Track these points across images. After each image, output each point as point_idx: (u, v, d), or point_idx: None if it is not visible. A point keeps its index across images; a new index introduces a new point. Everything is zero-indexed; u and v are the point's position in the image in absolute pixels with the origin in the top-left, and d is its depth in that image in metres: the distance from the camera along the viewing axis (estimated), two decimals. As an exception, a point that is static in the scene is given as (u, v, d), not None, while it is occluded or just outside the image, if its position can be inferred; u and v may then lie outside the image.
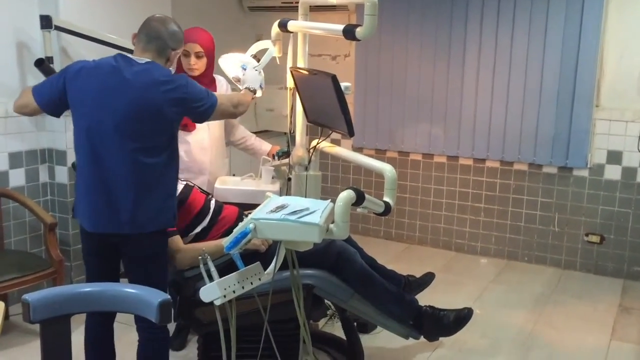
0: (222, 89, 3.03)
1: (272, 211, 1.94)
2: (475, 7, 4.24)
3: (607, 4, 3.91)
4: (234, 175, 4.40)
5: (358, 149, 4.74)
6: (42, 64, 3.15)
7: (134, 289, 1.67)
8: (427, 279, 2.95)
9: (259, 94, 2.81)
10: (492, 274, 4.23)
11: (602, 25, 3.92)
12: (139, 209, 2.16)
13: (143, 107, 2.11)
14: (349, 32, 2.35)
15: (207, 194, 2.69)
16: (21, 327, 3.21)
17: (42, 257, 3.30)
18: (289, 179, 3.23)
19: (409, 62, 4.56)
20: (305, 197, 2.99)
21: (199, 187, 2.69)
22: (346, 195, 1.98)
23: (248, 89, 2.71)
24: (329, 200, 2.08)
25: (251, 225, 1.85)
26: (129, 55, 2.24)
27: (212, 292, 1.88)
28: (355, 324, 2.85)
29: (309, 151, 2.94)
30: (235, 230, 1.87)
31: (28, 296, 1.58)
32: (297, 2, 2.83)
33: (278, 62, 3.00)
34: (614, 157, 4.06)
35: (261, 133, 4.74)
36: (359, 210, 2.14)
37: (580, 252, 4.26)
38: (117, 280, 2.31)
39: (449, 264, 4.44)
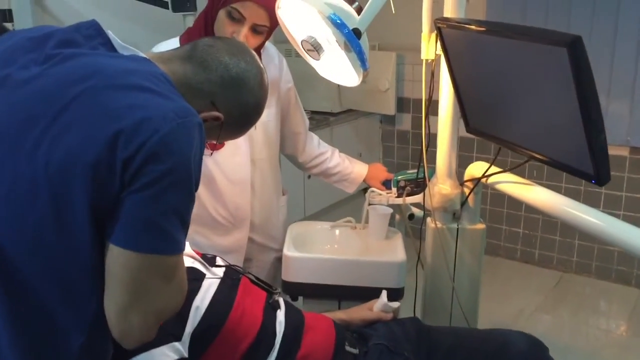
0: (275, 68, 1.66)
1: None
2: None
3: None
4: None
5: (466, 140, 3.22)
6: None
7: None
8: None
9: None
10: None
11: None
12: None
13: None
14: None
15: (269, 289, 1.28)
16: None
17: None
18: (411, 217, 1.83)
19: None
20: (454, 272, 1.58)
21: (250, 274, 1.30)
22: None
23: None
24: None
25: None
26: (111, 34, 0.93)
27: None
28: None
29: (462, 185, 1.52)
30: None
31: None
32: None
33: (394, 11, 1.55)
34: None
35: (343, 114, 3.30)
36: None
37: None
38: None
39: (638, 310, 2.93)
